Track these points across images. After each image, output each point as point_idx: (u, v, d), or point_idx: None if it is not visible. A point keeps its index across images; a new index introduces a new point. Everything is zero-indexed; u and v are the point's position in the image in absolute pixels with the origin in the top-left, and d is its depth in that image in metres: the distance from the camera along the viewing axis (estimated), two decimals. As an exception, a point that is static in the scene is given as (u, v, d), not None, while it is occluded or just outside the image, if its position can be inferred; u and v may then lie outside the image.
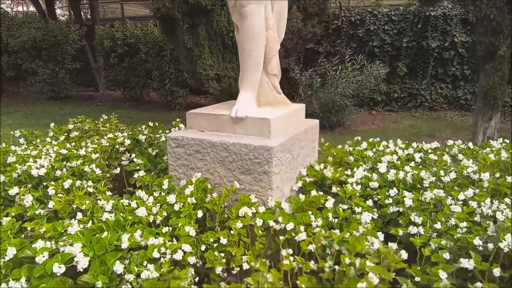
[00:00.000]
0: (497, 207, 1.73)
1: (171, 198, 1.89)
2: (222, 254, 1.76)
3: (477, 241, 1.55)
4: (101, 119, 3.76)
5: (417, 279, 1.53)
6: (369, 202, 1.97)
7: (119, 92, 9.28)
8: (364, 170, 2.31)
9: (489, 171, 2.16)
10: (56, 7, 18.66)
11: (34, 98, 9.33)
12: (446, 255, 1.55)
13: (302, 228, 1.83)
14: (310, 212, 1.96)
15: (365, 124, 6.85)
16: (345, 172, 2.38)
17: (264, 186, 2.10)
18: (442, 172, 2.11)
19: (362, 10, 7.97)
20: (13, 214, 1.80)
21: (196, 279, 1.62)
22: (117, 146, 2.57)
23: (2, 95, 9.50)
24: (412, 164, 2.34)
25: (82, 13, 13.05)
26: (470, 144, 2.86)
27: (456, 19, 7.22)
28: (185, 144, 2.27)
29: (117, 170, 2.43)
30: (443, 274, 1.44)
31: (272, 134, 2.17)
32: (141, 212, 1.70)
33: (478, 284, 1.37)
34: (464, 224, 1.68)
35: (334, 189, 2.16)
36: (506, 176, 2.00)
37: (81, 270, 1.39)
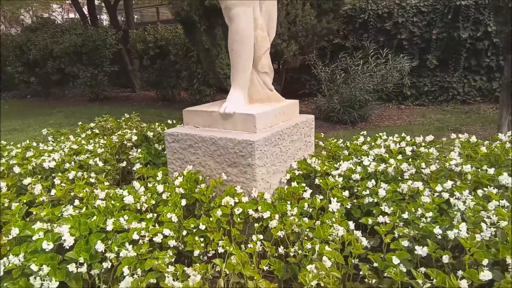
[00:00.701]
0: (465, 199, 1.74)
1: (160, 188, 2.07)
2: (202, 239, 1.92)
3: (437, 230, 1.59)
4: (123, 118, 4.05)
5: (375, 264, 1.60)
6: (346, 193, 2.04)
7: (153, 93, 9.72)
8: (351, 164, 2.36)
9: (475, 164, 2.14)
10: (103, 12, 19.75)
11: (77, 100, 10.01)
12: (405, 243, 1.61)
13: (277, 216, 1.95)
14: (289, 202, 2.08)
15: (391, 119, 6.73)
16: (335, 165, 2.45)
17: (249, 178, 2.23)
18: (423, 165, 2.13)
19: (390, 2, 7.80)
20: (25, 201, 2.07)
21: (173, 260, 1.78)
22: (125, 142, 2.80)
23: (49, 98, 10.29)
24: (400, 157, 2.36)
25: (121, 18, 13.77)
26: (473, 138, 2.81)
27: (489, 7, 6.88)
28: (180, 139, 2.45)
29: (123, 164, 2.66)
30: (396, 260, 1.51)
31: (258, 129, 2.29)
32: (128, 199, 1.90)
33: (422, 268, 1.43)
34: (430, 214, 1.72)
35: (317, 181, 2.25)
36: (488, 169, 1.98)
37: (67, 247, 1.61)
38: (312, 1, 4.75)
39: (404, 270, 1.49)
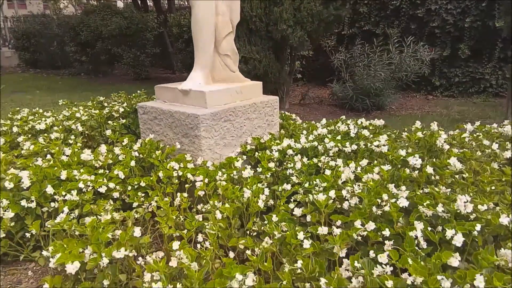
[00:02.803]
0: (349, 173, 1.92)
1: (117, 151, 2.45)
2: (144, 194, 2.28)
3: (320, 196, 1.80)
4: (133, 94, 4.52)
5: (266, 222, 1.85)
6: (271, 164, 2.28)
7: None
8: (291, 141, 2.58)
9: (404, 147, 2.27)
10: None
11: (121, 79, 10.83)
12: (291, 205, 1.84)
13: (207, 180, 2.25)
14: (224, 170, 2.36)
15: (411, 109, 6.61)
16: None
17: (196, 147, 2.54)
18: (347, 144, 2.30)
19: (424, -12, 7.52)
20: (15, 154, 2.56)
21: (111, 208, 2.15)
22: (113, 113, 3.22)
23: (98, 76, 11.24)
24: (339, 137, 2.53)
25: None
26: (435, 126, 2.87)
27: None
28: (147, 111, 2.81)
29: (109, 132, 3.08)
30: (274, 218, 1.75)
31: (208, 105, 2.58)
32: (84, 156, 2.30)
33: (283, 223, 1.66)
34: (325, 184, 1.92)
35: (256, 154, 2.50)
36: (400, 150, 2.11)
37: (25, 188, 2.04)
38: (318, -12, 4.83)
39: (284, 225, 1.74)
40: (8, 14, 19.22)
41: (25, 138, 2.65)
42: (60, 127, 2.86)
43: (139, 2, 12.36)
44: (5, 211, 1.94)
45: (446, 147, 2.20)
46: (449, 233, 1.38)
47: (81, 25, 10.33)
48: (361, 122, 2.84)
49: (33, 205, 1.98)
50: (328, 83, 7.38)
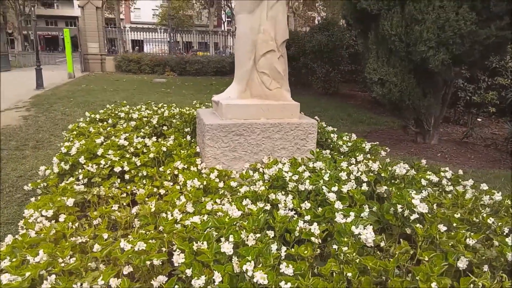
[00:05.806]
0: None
1: (149, 143, 2.94)
2: (145, 181, 2.69)
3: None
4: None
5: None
6: (233, 183, 2.25)
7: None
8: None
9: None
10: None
11: (314, 92, 11.34)
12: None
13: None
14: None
15: None
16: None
17: (204, 154, 2.74)
18: (307, 182, 1.99)
19: None
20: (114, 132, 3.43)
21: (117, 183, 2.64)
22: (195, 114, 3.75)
23: (297, 87, 12.25)
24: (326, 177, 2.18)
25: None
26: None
27: None
28: (197, 116, 3.18)
29: (188, 129, 3.60)
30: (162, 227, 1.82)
31: (224, 116, 2.73)
32: (121, 142, 2.89)
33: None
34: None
35: (249, 171, 2.50)
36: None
37: (72, 154, 2.80)
38: (472, 4, 3.81)
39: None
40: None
41: (122, 122, 3.53)
42: (147, 118, 3.62)
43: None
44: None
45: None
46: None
47: (290, 41, 11.56)
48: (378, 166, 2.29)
49: (67, 167, 2.70)
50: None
